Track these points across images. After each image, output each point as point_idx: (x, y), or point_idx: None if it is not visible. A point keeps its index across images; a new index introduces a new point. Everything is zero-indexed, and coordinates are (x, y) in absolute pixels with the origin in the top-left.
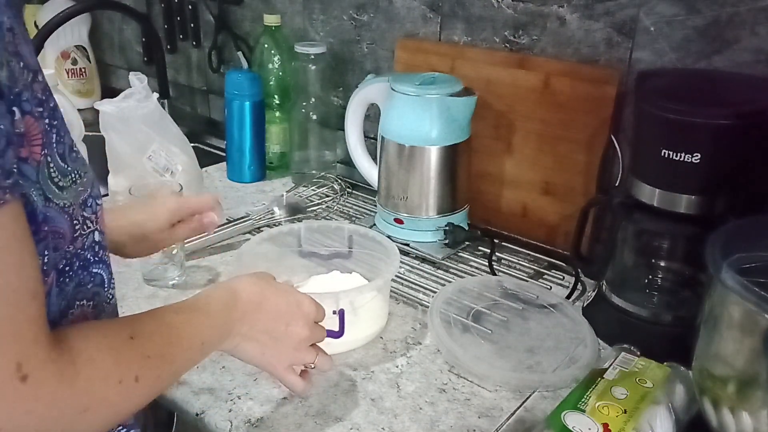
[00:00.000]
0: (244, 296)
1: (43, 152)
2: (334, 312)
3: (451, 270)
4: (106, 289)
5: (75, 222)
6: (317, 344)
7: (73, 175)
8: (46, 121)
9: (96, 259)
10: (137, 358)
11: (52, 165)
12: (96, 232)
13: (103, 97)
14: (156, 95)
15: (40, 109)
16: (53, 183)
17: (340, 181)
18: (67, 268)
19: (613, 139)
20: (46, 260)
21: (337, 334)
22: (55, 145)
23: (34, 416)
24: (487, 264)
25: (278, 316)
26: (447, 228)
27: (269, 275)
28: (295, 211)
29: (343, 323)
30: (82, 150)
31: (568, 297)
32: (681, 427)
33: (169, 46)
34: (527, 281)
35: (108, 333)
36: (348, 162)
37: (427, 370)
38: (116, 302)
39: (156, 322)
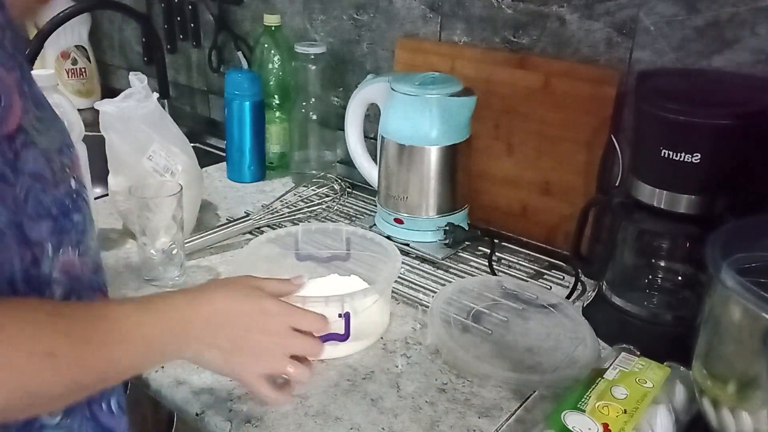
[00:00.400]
0: (208, 301)
1: (21, 100)
2: (340, 315)
3: (451, 270)
4: (88, 239)
5: (54, 166)
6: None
7: (47, 122)
8: (18, 73)
9: (74, 206)
10: (55, 335)
11: (29, 112)
12: (72, 180)
13: (103, 97)
14: (156, 95)
15: (11, 63)
16: (34, 129)
17: (340, 181)
18: (57, 214)
19: (613, 139)
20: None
21: (343, 338)
22: (28, 94)
23: None
24: (487, 264)
25: (238, 321)
26: (447, 228)
27: (245, 279)
28: None
29: (348, 326)
30: (82, 150)
31: (568, 297)
32: (681, 427)
33: (169, 46)
34: (527, 281)
35: (29, 307)
36: (348, 162)
37: (427, 370)
38: (100, 257)
39: (89, 309)
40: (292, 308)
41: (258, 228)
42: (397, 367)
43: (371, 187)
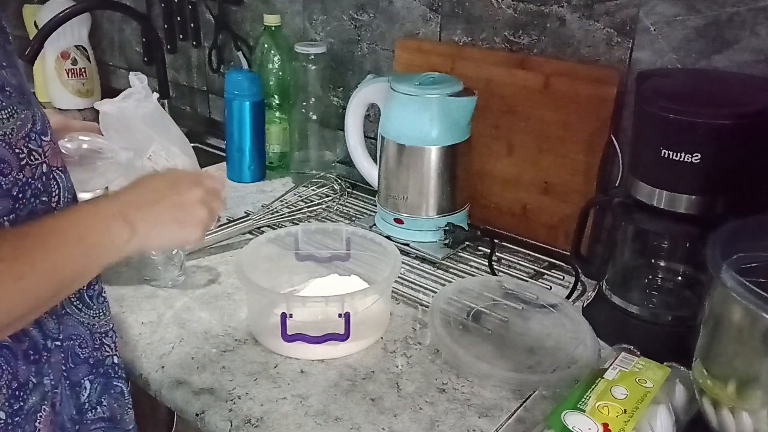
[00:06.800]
0: (125, 186)
1: None
2: (340, 315)
3: (451, 270)
4: None
5: (18, 151)
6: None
7: (9, 110)
8: None
9: (45, 189)
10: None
11: None
12: (44, 165)
13: (103, 97)
14: (156, 95)
15: None
16: None
17: (340, 181)
18: (20, 195)
19: (613, 139)
20: None
21: (343, 337)
22: None
23: None
24: (487, 264)
25: (167, 192)
26: (447, 228)
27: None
28: None
29: (348, 326)
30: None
31: (568, 297)
32: (681, 427)
33: (169, 46)
34: (527, 281)
35: None
36: (348, 162)
37: (427, 370)
38: None
39: (33, 225)
40: (193, 171)
41: (258, 228)
42: (397, 367)
43: (371, 187)
